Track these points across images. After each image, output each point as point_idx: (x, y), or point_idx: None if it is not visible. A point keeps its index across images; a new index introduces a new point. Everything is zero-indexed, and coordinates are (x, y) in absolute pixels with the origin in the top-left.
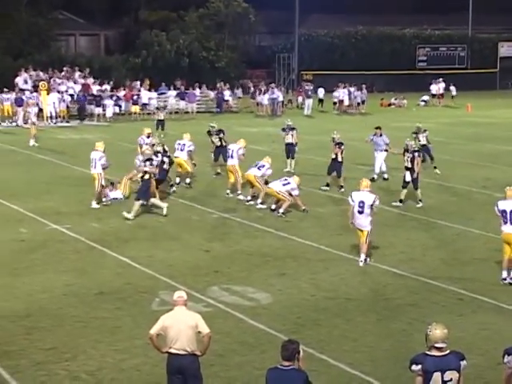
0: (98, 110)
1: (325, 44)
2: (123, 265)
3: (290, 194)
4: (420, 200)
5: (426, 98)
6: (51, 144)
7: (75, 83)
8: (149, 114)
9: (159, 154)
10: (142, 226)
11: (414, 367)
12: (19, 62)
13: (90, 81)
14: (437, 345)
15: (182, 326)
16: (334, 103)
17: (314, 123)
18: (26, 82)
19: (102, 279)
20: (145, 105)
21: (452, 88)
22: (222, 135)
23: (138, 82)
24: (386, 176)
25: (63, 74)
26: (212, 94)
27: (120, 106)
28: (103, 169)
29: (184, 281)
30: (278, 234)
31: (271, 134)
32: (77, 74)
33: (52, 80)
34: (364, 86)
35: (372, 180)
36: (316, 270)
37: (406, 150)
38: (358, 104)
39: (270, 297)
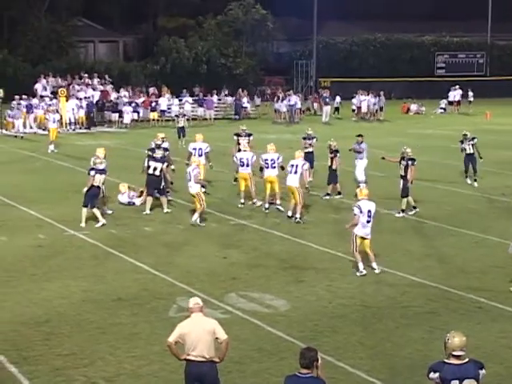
0: (115, 117)
1: (343, 51)
2: (141, 271)
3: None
4: (414, 207)
5: (443, 105)
6: (70, 150)
7: (94, 90)
8: (168, 120)
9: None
10: (160, 233)
11: (431, 375)
12: (38, 69)
13: (109, 87)
14: (455, 353)
15: (199, 332)
16: (353, 110)
17: (332, 130)
18: (45, 88)
19: (120, 285)
20: (163, 111)
21: (470, 94)
22: (251, 138)
23: (152, 88)
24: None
25: (82, 80)
26: (230, 99)
27: (138, 113)
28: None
29: (201, 287)
30: (295, 240)
31: (289, 140)
32: (95, 80)
33: (71, 87)
34: (382, 92)
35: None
36: (333, 277)
37: (402, 158)
38: (376, 111)
39: (287, 304)
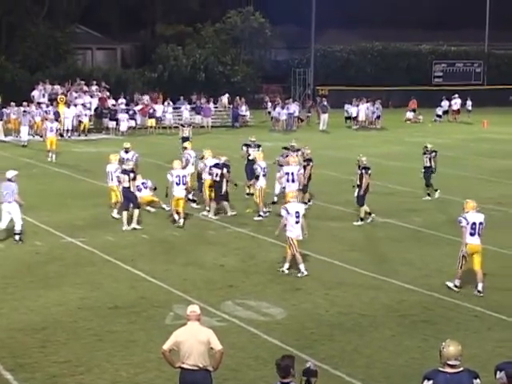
0: (112, 124)
1: (340, 59)
2: (138, 278)
3: None
4: (369, 213)
5: (440, 112)
6: (67, 157)
7: (92, 97)
8: (164, 127)
9: None
10: (158, 240)
11: (425, 382)
12: (36, 76)
13: (107, 94)
14: (450, 362)
15: (194, 341)
16: (347, 118)
17: (330, 138)
18: (43, 95)
19: (117, 293)
20: (159, 118)
21: (468, 103)
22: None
23: (146, 97)
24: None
25: (79, 87)
26: (226, 102)
27: (135, 120)
28: (119, 181)
29: (198, 295)
30: None
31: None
32: (94, 87)
33: (69, 94)
34: (379, 101)
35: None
36: (330, 286)
37: (358, 166)
38: (375, 119)
39: (284, 312)
